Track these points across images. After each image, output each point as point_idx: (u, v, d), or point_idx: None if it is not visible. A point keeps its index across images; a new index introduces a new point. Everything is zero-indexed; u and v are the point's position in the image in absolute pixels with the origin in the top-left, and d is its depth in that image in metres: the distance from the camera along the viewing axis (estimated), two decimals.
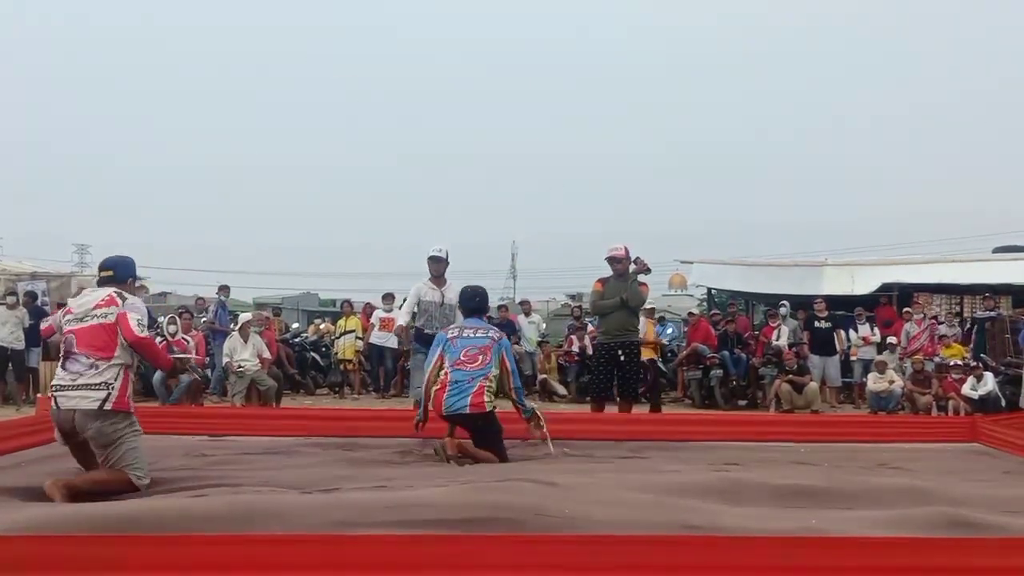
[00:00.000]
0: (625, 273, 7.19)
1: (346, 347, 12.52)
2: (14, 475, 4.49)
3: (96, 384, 3.97)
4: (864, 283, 15.07)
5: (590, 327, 11.66)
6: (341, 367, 12.66)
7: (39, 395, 10.48)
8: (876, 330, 12.32)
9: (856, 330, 12.27)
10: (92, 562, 2.47)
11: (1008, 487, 4.56)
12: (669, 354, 12.47)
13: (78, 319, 4.10)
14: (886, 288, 14.76)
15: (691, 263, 17.86)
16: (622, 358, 7.09)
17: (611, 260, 7.24)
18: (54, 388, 4.05)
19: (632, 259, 7.18)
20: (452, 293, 6.92)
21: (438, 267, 6.96)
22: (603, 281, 7.28)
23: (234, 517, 3.11)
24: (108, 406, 3.95)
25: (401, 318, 7.21)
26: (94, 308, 4.10)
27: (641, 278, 7.25)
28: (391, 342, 12.06)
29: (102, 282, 4.26)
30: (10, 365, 10.99)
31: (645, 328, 12.09)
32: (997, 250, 16.91)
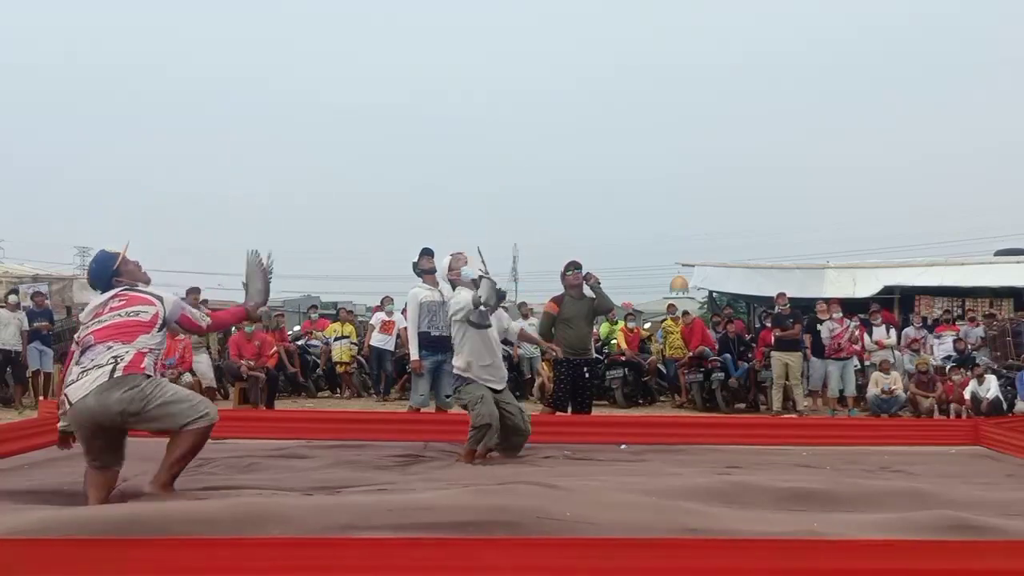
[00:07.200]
0: (580, 288, 7.24)
1: (342, 351, 12.61)
2: (17, 477, 4.50)
3: (102, 362, 3.74)
4: (866, 285, 15.09)
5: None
6: (336, 370, 12.78)
7: (41, 397, 10.53)
8: (892, 332, 12.12)
9: (871, 333, 11.94)
10: (93, 565, 2.48)
11: (1010, 490, 4.55)
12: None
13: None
14: (888, 291, 14.78)
15: (692, 266, 17.87)
16: (587, 375, 7.21)
17: (572, 269, 7.26)
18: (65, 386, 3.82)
19: (584, 274, 7.29)
20: (448, 292, 6.94)
21: (432, 261, 6.96)
22: (558, 300, 7.29)
23: (235, 520, 3.11)
24: (119, 373, 3.70)
25: (413, 350, 6.82)
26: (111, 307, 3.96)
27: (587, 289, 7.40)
28: (390, 345, 12.12)
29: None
30: (9, 368, 10.97)
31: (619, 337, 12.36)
32: (999, 253, 16.92)
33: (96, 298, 4.10)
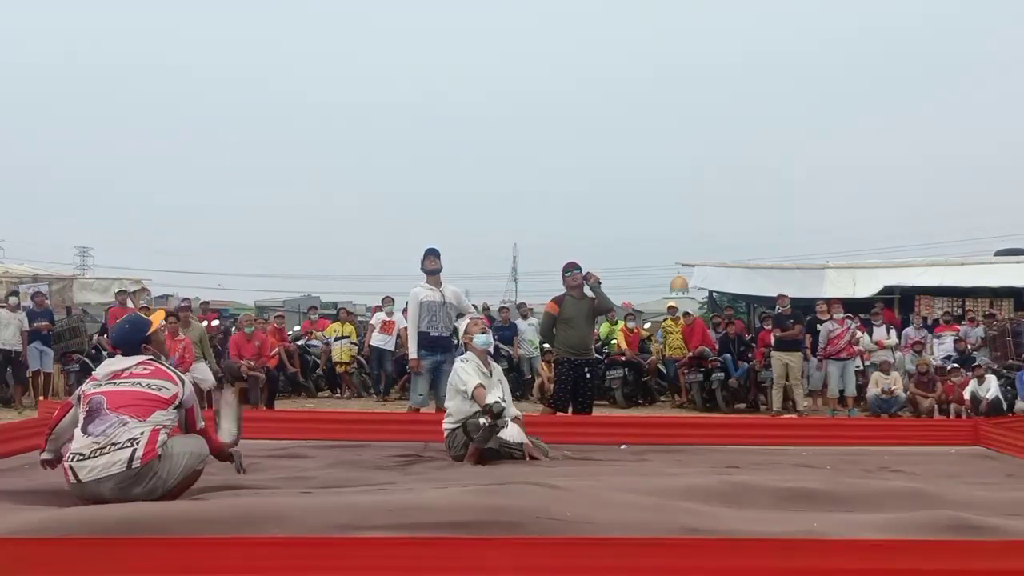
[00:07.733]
0: (581, 289, 7.24)
1: (342, 351, 12.63)
2: (17, 478, 4.50)
3: (119, 441, 3.57)
4: (866, 286, 15.09)
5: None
6: (336, 370, 12.80)
7: (41, 397, 10.53)
8: (892, 333, 12.10)
9: (871, 333, 11.91)
10: (93, 564, 2.48)
11: (1010, 490, 4.55)
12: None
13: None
14: (888, 291, 14.77)
15: (692, 266, 17.86)
16: (588, 375, 7.21)
17: (571, 270, 7.26)
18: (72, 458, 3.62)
19: (584, 274, 7.28)
20: (449, 292, 6.95)
21: (437, 262, 6.97)
22: (558, 301, 7.26)
23: (234, 520, 3.11)
24: (136, 463, 3.55)
25: (412, 349, 6.86)
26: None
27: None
28: (391, 345, 12.13)
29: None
30: (10, 368, 10.97)
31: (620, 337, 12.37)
32: (999, 253, 16.92)
33: (118, 360, 3.92)
